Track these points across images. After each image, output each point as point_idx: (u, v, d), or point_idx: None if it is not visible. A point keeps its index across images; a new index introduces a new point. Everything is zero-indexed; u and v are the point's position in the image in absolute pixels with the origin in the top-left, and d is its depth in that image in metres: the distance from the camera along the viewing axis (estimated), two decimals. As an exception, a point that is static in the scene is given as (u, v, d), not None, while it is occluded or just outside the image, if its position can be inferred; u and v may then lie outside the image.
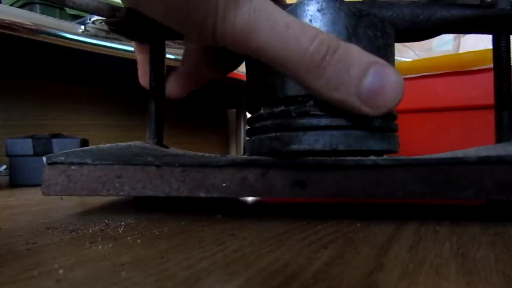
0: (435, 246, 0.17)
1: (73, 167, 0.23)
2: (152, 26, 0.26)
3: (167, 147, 0.28)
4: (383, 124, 0.23)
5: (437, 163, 0.20)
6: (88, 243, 0.19)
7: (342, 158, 0.22)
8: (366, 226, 0.21)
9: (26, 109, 0.75)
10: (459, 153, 0.24)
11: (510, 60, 0.25)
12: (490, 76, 0.26)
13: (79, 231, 0.21)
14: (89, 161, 0.23)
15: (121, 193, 0.23)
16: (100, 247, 0.18)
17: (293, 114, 0.22)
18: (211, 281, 0.14)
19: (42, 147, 0.49)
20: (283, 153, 0.23)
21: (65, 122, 0.81)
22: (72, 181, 0.23)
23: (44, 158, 0.24)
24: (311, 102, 0.22)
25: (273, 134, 0.23)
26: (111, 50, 0.58)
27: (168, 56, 0.73)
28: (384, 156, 0.23)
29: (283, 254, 0.17)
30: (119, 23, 0.26)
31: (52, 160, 0.24)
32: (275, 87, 0.23)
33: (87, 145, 0.53)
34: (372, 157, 0.21)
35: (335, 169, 0.21)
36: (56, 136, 0.51)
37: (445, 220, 0.23)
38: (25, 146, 0.49)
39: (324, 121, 0.22)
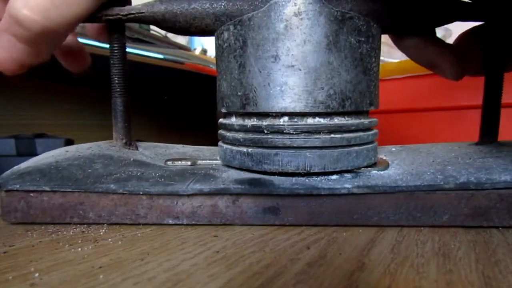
0: (417, 246, 0.18)
1: (32, 194, 0.22)
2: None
3: (136, 148, 0.27)
4: (360, 139, 0.22)
5: (412, 190, 0.20)
6: (67, 245, 0.18)
7: (316, 183, 0.21)
8: (351, 226, 0.21)
9: (9, 108, 0.74)
10: (437, 154, 0.23)
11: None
12: (475, 77, 0.26)
13: (59, 232, 0.20)
14: (46, 188, 0.22)
15: (86, 220, 0.22)
16: (80, 249, 0.18)
17: (265, 131, 0.22)
18: (191, 283, 0.14)
19: (25, 147, 0.48)
20: (254, 171, 0.22)
21: (50, 121, 0.79)
22: (32, 208, 0.22)
23: None
24: (285, 118, 0.21)
25: (244, 150, 0.22)
26: (97, 48, 0.58)
27: (156, 55, 0.70)
28: (361, 172, 0.22)
29: (265, 255, 0.17)
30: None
31: (7, 188, 0.22)
32: (247, 99, 0.22)
33: (72, 145, 0.52)
34: (347, 184, 0.21)
35: (308, 197, 0.21)
36: (40, 136, 0.50)
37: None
38: (8, 146, 0.47)
39: (297, 141, 0.21)
